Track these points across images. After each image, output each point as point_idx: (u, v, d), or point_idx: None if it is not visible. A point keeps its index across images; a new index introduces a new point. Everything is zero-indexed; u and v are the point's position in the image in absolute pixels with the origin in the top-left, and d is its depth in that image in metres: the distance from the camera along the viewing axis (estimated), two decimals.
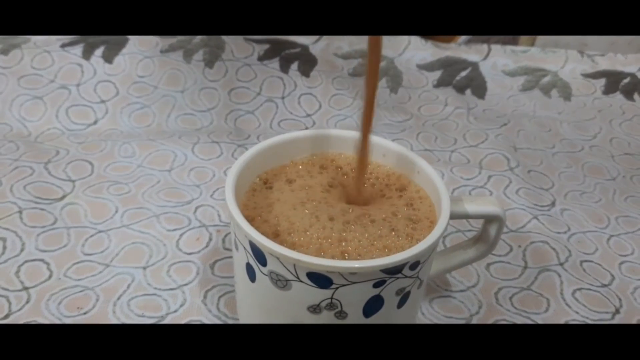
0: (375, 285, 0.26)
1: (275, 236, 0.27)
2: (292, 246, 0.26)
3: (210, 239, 0.39)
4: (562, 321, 0.35)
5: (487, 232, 0.32)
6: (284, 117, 0.53)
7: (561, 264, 0.39)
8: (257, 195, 0.29)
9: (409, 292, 0.28)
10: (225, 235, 0.39)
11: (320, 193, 0.29)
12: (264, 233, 0.26)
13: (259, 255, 0.26)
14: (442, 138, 0.51)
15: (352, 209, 0.28)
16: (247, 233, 0.26)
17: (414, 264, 0.26)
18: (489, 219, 0.31)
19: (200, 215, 0.41)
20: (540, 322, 0.35)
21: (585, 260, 0.39)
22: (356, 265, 0.25)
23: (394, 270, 0.26)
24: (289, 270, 0.26)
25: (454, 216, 0.29)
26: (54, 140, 0.47)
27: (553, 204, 0.44)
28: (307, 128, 0.52)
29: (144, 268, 0.36)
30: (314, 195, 0.29)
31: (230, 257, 0.38)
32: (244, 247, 0.27)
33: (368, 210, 0.29)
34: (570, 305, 0.36)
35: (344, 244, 0.27)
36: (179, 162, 0.46)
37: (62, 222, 0.39)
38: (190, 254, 0.38)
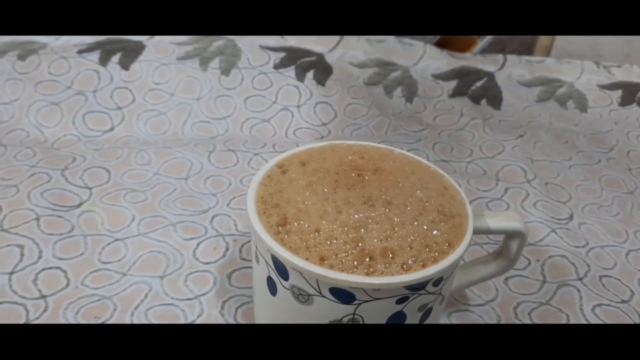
0: (399, 302, 0.26)
1: (286, 223, 0.27)
2: (302, 234, 0.26)
3: (227, 249, 0.39)
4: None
5: (508, 248, 0.31)
6: (300, 125, 0.53)
7: (580, 279, 0.38)
8: (272, 181, 0.29)
9: (431, 308, 0.28)
10: (242, 245, 0.39)
11: (335, 175, 0.29)
12: (275, 221, 0.26)
13: (281, 269, 0.26)
14: (458, 149, 0.51)
15: (370, 195, 0.28)
16: (269, 247, 0.26)
17: (438, 281, 0.26)
18: (511, 235, 0.31)
19: (217, 224, 0.41)
20: None
21: (605, 276, 0.39)
22: (380, 282, 0.24)
23: (417, 287, 0.25)
24: (311, 285, 0.25)
25: (476, 231, 0.29)
26: (70, 146, 0.47)
27: (571, 217, 0.44)
28: (322, 137, 0.52)
29: (161, 277, 0.36)
30: (328, 177, 0.29)
31: (247, 267, 0.37)
32: (266, 261, 0.27)
33: (388, 192, 0.29)
34: (589, 321, 0.35)
35: (363, 231, 0.26)
36: (195, 170, 0.46)
37: (79, 230, 0.39)
38: (207, 263, 0.38)
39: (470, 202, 0.44)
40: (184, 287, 0.36)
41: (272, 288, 0.27)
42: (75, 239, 0.39)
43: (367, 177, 0.30)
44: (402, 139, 0.52)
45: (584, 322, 0.35)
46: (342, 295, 0.25)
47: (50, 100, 0.50)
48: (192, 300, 0.35)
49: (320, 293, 0.25)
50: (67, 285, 0.35)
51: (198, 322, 0.34)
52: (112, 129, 0.50)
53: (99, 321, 0.33)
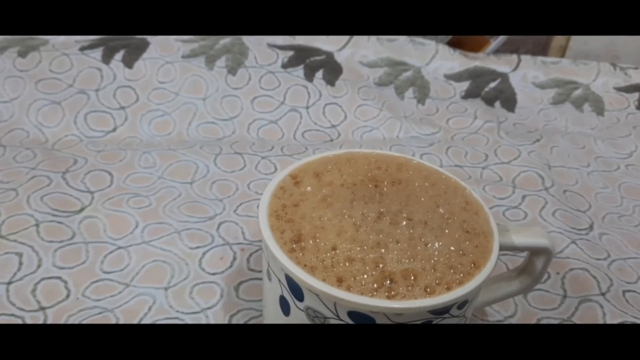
0: None
1: (301, 240, 0.25)
2: (319, 252, 0.24)
3: (235, 259, 0.37)
4: None
5: (532, 265, 0.30)
6: (308, 127, 0.51)
7: (603, 294, 0.37)
8: (285, 194, 0.27)
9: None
10: (250, 255, 0.37)
11: (352, 187, 0.28)
12: (289, 237, 0.25)
13: (296, 290, 0.24)
14: (472, 153, 0.49)
15: (388, 208, 0.27)
16: (283, 266, 0.24)
17: (462, 304, 0.25)
18: (536, 251, 0.29)
19: (224, 232, 0.39)
20: None
21: (628, 290, 0.37)
22: (402, 306, 0.23)
23: (441, 311, 0.24)
24: (328, 308, 0.24)
25: (500, 249, 0.27)
26: (71, 147, 0.46)
27: (591, 227, 0.42)
28: (331, 140, 0.50)
29: (166, 289, 0.35)
30: (344, 190, 0.28)
31: (256, 278, 0.36)
32: (279, 279, 0.25)
33: (407, 207, 0.27)
34: None
35: (383, 251, 0.25)
36: (200, 174, 0.44)
37: (80, 237, 0.38)
38: (214, 274, 0.36)
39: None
40: (189, 299, 0.34)
41: (285, 308, 0.26)
42: (76, 246, 0.37)
43: (384, 189, 0.28)
44: (414, 143, 0.50)
45: None
46: (362, 319, 0.24)
47: (51, 99, 0.48)
48: (198, 314, 0.33)
49: (338, 316, 0.24)
50: (68, 296, 0.34)
51: None
52: (114, 130, 0.48)
53: None
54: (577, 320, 0.35)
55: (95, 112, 0.49)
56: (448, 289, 0.24)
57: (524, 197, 0.44)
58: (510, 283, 0.31)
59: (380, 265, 0.24)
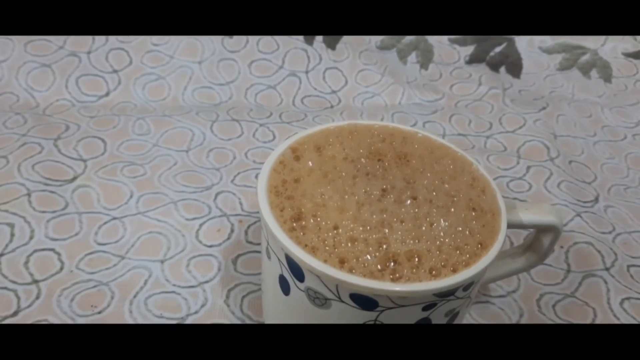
0: (425, 309, 0.23)
1: (301, 218, 0.24)
2: (320, 232, 0.23)
3: (232, 230, 0.36)
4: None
5: (539, 242, 0.29)
6: (308, 93, 0.49)
7: (607, 269, 0.36)
8: (285, 169, 0.26)
9: (458, 312, 0.25)
10: (248, 227, 0.37)
11: (355, 162, 0.27)
12: (289, 215, 0.24)
13: (296, 270, 0.24)
14: (476, 122, 0.48)
15: (392, 185, 0.26)
16: (283, 245, 0.23)
17: (468, 285, 0.24)
18: (544, 229, 0.28)
19: (221, 202, 0.38)
20: None
21: (632, 265, 0.37)
22: (407, 289, 0.22)
23: (447, 294, 0.23)
24: (329, 290, 0.23)
25: (507, 226, 0.26)
26: (63, 112, 0.44)
27: (596, 199, 0.41)
28: (332, 106, 0.49)
29: (162, 262, 0.34)
30: (346, 165, 0.26)
31: (254, 251, 0.35)
32: (278, 258, 0.24)
33: (412, 184, 0.26)
34: (618, 317, 0.33)
35: (387, 231, 0.24)
36: (197, 141, 0.43)
37: (73, 207, 0.37)
38: (211, 246, 0.35)
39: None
40: (186, 272, 0.34)
41: (285, 287, 0.25)
42: (69, 217, 0.36)
43: (388, 164, 0.27)
44: (417, 110, 0.49)
45: (612, 316, 0.33)
46: (364, 301, 0.23)
47: (42, 62, 0.47)
48: (195, 288, 0.33)
49: (340, 298, 0.23)
50: (61, 269, 0.33)
51: (201, 312, 0.32)
52: (107, 94, 0.47)
53: (96, 310, 0.31)
54: (580, 295, 0.34)
55: (87, 76, 0.47)
56: (454, 270, 0.23)
57: (528, 167, 0.43)
58: (515, 260, 0.30)
59: (384, 246, 0.23)
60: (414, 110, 0.48)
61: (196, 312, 0.31)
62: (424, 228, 0.24)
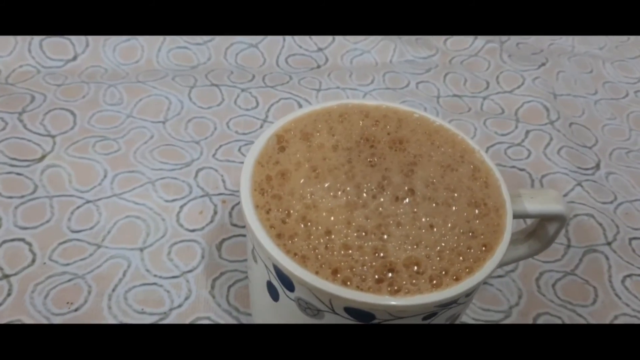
0: (425, 318, 0.22)
1: (289, 221, 0.22)
2: (310, 238, 0.21)
3: (215, 212, 0.34)
4: (610, 316, 0.31)
5: (544, 230, 0.27)
6: (292, 51, 0.46)
7: (609, 244, 0.35)
8: (270, 161, 0.24)
9: (458, 316, 0.24)
10: (232, 208, 0.34)
11: (346, 151, 0.24)
12: (276, 218, 0.22)
13: (285, 280, 0.22)
14: (472, 81, 0.45)
15: (388, 179, 0.23)
16: (270, 255, 0.21)
17: (470, 292, 0.22)
18: (550, 218, 0.26)
19: (202, 180, 0.36)
20: (586, 315, 0.31)
21: (635, 238, 0.35)
22: (407, 304, 0.20)
23: (449, 303, 0.21)
24: (322, 302, 0.21)
25: (512, 217, 0.24)
26: (27, 80, 0.41)
27: (597, 165, 0.39)
28: (318, 66, 0.46)
29: (141, 249, 0.32)
30: (337, 156, 0.24)
31: (239, 235, 0.33)
32: (266, 266, 0.22)
33: (410, 177, 0.24)
34: (620, 296, 0.32)
35: (385, 236, 0.22)
36: (174, 110, 0.40)
37: (43, 190, 0.34)
38: (193, 231, 0.33)
39: (487, 148, 0.39)
40: (167, 261, 0.32)
41: (274, 294, 0.23)
42: (39, 201, 0.33)
43: (383, 152, 0.25)
44: (409, 69, 0.46)
45: (613, 295, 0.32)
46: (360, 314, 0.21)
47: None
48: (177, 279, 0.31)
49: (333, 311, 0.21)
50: (33, 261, 0.31)
51: (185, 305, 0.30)
52: (75, 58, 0.43)
53: (72, 307, 0.29)
54: (581, 273, 0.33)
55: (51, 37, 0.43)
56: (456, 279, 0.21)
57: (527, 132, 0.41)
58: (517, 247, 0.28)
59: (381, 254, 0.21)
60: (407, 69, 0.45)
61: (180, 306, 0.30)
62: (423, 231, 0.22)
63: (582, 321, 0.31)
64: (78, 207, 0.33)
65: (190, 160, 0.37)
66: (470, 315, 0.31)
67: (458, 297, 0.21)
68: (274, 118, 0.40)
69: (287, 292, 0.22)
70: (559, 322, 0.31)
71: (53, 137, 0.37)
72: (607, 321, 0.31)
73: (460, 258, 0.22)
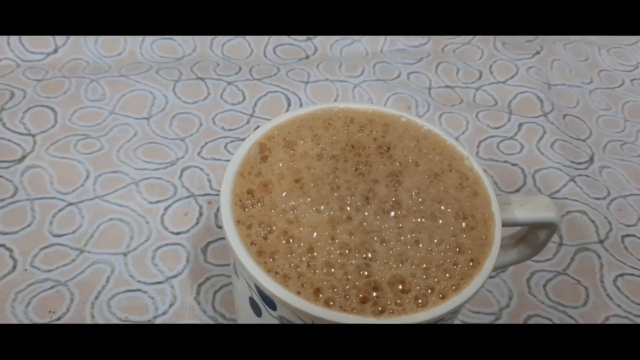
0: None
1: (271, 237, 0.21)
2: (292, 256, 0.21)
3: (201, 214, 0.33)
4: (601, 317, 0.31)
5: (534, 236, 0.26)
6: (281, 41, 0.45)
7: (601, 242, 0.34)
8: (252, 172, 0.23)
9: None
10: (218, 209, 0.34)
11: (331, 160, 0.24)
12: (256, 234, 0.21)
13: (267, 300, 0.21)
14: (465, 70, 0.44)
15: (374, 191, 0.23)
16: (250, 274, 0.20)
17: (457, 309, 0.21)
18: (541, 225, 0.26)
19: (187, 180, 0.35)
20: (577, 317, 0.31)
21: (627, 235, 0.35)
22: (391, 324, 0.20)
23: (437, 320, 0.21)
24: (304, 322, 0.21)
25: (502, 225, 0.23)
26: (7, 75, 0.40)
27: (591, 159, 0.39)
28: (307, 57, 0.44)
29: (125, 254, 0.31)
30: (321, 165, 0.23)
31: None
32: (248, 283, 0.22)
33: (396, 188, 0.23)
34: (611, 297, 0.32)
35: (369, 254, 0.21)
36: (158, 106, 0.39)
37: (23, 193, 0.33)
38: (178, 234, 0.32)
39: (479, 142, 0.38)
40: (152, 266, 0.31)
41: (257, 310, 0.23)
42: (20, 205, 0.33)
43: (369, 160, 0.24)
44: (400, 58, 0.44)
45: (604, 296, 0.32)
46: None
47: None
48: (162, 284, 0.30)
49: (307, 324, 0.21)
50: (14, 267, 0.30)
51: (170, 312, 0.29)
52: (55, 51, 0.42)
53: (54, 317, 0.29)
54: (572, 273, 0.33)
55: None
56: (443, 297, 0.20)
57: (520, 125, 0.40)
58: (506, 252, 0.28)
59: (365, 273, 0.21)
60: (398, 59, 0.44)
61: (164, 313, 0.29)
62: (408, 247, 0.21)
63: (572, 323, 0.31)
64: (60, 210, 0.33)
65: (175, 158, 0.36)
66: (460, 318, 0.31)
67: (444, 316, 0.20)
68: (260, 113, 0.39)
69: (270, 311, 0.22)
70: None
71: (33, 136, 0.36)
72: (598, 322, 0.31)
73: (447, 275, 0.21)
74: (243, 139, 0.25)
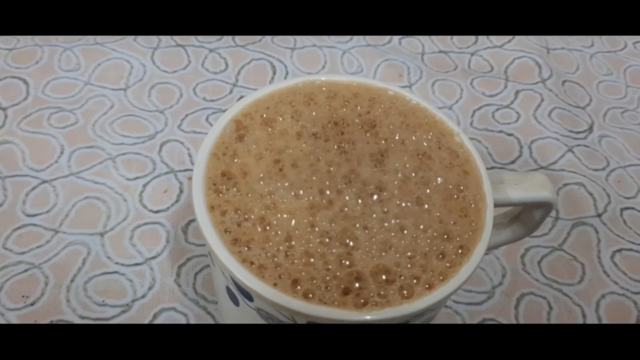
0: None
1: (245, 227, 0.20)
2: (269, 245, 0.19)
3: (181, 190, 0.32)
4: (597, 294, 0.30)
5: (529, 215, 0.25)
6: None
7: (599, 215, 0.33)
8: (227, 153, 0.22)
9: (434, 317, 0.22)
10: None
11: (312, 139, 0.22)
12: (231, 221, 0.20)
13: (244, 292, 0.20)
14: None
15: (356, 172, 0.21)
16: (224, 266, 0.19)
17: (445, 300, 0.20)
18: (536, 205, 0.24)
19: (167, 155, 0.33)
20: (572, 295, 0.30)
21: (626, 208, 0.34)
22: (374, 317, 0.18)
23: (421, 313, 0.20)
24: (284, 315, 0.19)
25: (494, 205, 0.22)
26: None
27: (590, 128, 0.37)
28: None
29: (102, 234, 0.30)
30: (301, 145, 0.22)
31: None
32: (223, 273, 0.20)
33: (380, 169, 0.21)
34: (608, 273, 0.31)
35: (351, 243, 0.20)
36: (136, 76, 0.37)
37: None
38: (157, 212, 0.31)
39: (474, 112, 0.37)
40: (130, 246, 0.30)
41: (234, 300, 0.21)
42: None
43: (352, 138, 0.22)
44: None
45: (601, 272, 0.31)
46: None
47: None
48: (141, 266, 0.29)
49: (296, 324, 0.20)
50: None
51: (149, 296, 0.28)
52: None
53: (28, 302, 0.27)
54: (568, 248, 0.32)
55: None
56: (429, 287, 0.19)
57: (517, 92, 0.38)
58: (500, 232, 0.26)
59: (347, 262, 0.19)
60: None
61: (143, 296, 0.28)
62: (392, 234, 0.20)
63: (567, 301, 0.29)
64: (33, 188, 0.31)
65: (154, 132, 0.34)
66: (451, 298, 0.29)
67: (431, 307, 0.19)
68: (244, 82, 0.37)
69: (247, 302, 0.20)
70: (543, 302, 0.29)
71: (4, 109, 0.34)
72: (594, 300, 0.30)
73: (434, 263, 0.20)
74: (225, 110, 0.23)
